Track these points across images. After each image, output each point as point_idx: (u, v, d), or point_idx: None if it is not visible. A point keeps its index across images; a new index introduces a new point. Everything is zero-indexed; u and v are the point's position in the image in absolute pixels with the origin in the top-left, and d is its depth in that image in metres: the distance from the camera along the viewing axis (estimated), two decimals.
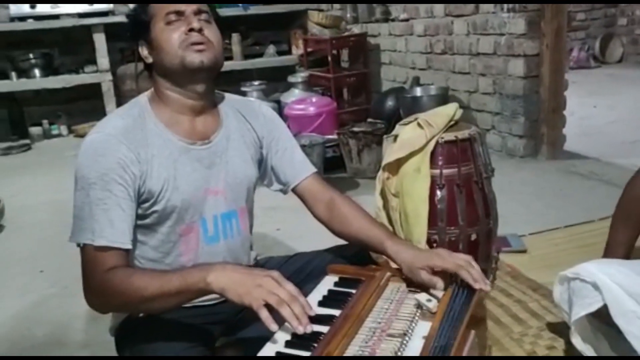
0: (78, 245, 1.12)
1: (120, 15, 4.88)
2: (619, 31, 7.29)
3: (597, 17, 7.33)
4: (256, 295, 0.97)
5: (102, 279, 1.07)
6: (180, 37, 1.16)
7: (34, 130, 5.09)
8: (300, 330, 0.96)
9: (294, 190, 1.37)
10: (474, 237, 1.82)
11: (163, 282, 1.03)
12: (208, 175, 1.23)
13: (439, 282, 1.11)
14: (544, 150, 3.44)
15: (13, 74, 4.99)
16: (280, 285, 0.99)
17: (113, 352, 1.26)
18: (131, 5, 1.29)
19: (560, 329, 1.59)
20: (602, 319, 1.34)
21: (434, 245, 1.78)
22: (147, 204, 1.16)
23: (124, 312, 1.21)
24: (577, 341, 1.40)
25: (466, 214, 1.80)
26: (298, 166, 1.36)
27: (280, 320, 0.97)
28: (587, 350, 1.39)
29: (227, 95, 1.36)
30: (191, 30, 1.16)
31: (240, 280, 1.00)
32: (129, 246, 1.12)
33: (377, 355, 0.96)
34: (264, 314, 0.96)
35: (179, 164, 1.19)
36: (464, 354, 0.96)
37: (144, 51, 1.22)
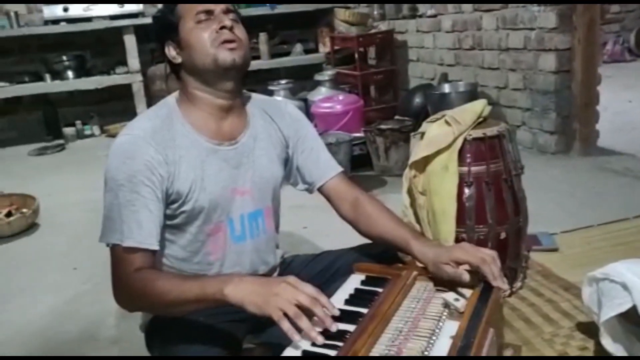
0: (107, 244, 1.14)
1: (150, 16, 4.94)
2: None
3: (632, 10, 7.12)
4: (274, 305, 0.95)
5: (129, 279, 1.10)
6: (211, 35, 1.17)
7: (68, 130, 5.20)
8: (319, 341, 0.95)
9: (319, 190, 1.37)
10: (503, 235, 1.80)
11: (184, 290, 1.04)
12: (235, 175, 1.24)
13: (465, 275, 1.10)
14: (576, 146, 3.37)
15: (47, 76, 5.12)
16: (298, 290, 0.97)
17: (143, 348, 1.28)
18: (160, 6, 1.31)
19: (593, 329, 1.55)
20: (631, 319, 1.31)
21: None
22: (175, 205, 1.18)
23: (148, 312, 1.23)
24: (607, 342, 1.37)
25: (495, 212, 1.78)
26: (324, 166, 1.36)
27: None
28: (618, 351, 1.36)
29: (254, 95, 1.36)
30: (222, 28, 1.17)
31: (257, 291, 0.98)
32: (156, 247, 1.13)
33: (404, 354, 0.95)
34: (286, 326, 0.94)
35: (207, 164, 1.20)
36: (484, 352, 0.95)
37: (171, 51, 1.23)
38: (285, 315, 0.95)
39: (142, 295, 1.08)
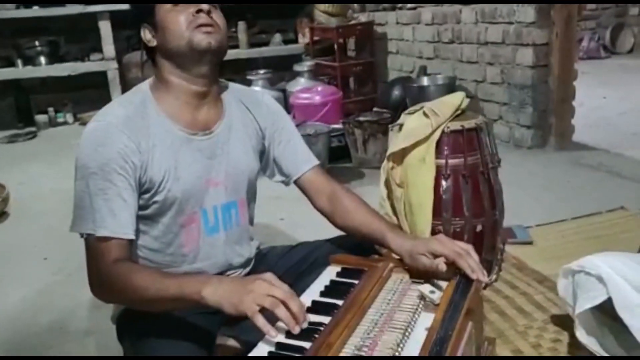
0: (81, 235, 1.11)
1: (126, 2, 4.85)
2: (630, 21, 7.20)
3: (608, 7, 7.23)
4: (249, 301, 0.94)
5: (104, 270, 1.07)
6: (188, 18, 1.15)
7: (40, 118, 5.08)
8: (296, 330, 0.94)
9: (295, 183, 1.35)
10: (479, 228, 1.81)
11: (162, 287, 1.02)
12: (209, 165, 1.22)
13: (441, 264, 1.10)
14: (552, 141, 3.41)
15: (19, 62, 4.98)
16: (274, 285, 0.97)
17: (115, 340, 1.26)
18: None
19: (566, 321, 1.58)
20: (606, 312, 1.32)
21: None
22: (148, 195, 1.15)
23: (125, 305, 1.21)
24: (581, 334, 1.38)
25: (471, 205, 1.78)
26: (300, 158, 1.35)
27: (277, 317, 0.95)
28: (591, 343, 1.38)
29: (231, 84, 1.34)
30: (199, 11, 1.15)
31: (233, 290, 0.97)
32: (132, 236, 1.11)
33: (379, 345, 0.95)
34: (260, 322, 0.93)
35: (180, 154, 1.17)
36: (462, 345, 0.95)
37: (146, 35, 1.20)
38: (261, 310, 0.94)
39: (120, 289, 1.05)
